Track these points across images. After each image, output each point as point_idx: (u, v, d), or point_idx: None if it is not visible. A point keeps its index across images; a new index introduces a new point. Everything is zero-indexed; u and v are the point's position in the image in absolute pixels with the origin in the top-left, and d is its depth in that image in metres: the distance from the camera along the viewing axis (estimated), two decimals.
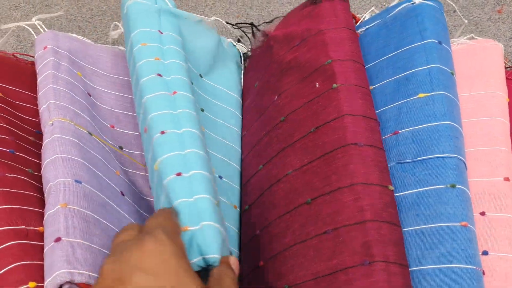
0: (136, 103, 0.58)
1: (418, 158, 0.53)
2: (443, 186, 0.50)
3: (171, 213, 0.43)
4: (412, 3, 0.63)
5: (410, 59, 0.58)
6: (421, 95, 0.56)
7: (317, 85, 0.59)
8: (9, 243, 0.46)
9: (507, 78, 0.62)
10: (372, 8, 0.74)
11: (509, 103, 0.60)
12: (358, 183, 0.49)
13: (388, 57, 0.61)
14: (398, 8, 0.64)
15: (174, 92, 0.56)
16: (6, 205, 0.48)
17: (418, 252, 0.49)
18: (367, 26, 0.67)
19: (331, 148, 0.53)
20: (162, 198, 0.48)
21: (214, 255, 0.43)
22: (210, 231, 0.44)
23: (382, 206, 0.48)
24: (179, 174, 0.48)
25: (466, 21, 0.88)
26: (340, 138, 0.53)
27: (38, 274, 0.45)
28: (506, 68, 0.63)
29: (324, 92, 0.57)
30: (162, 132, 0.52)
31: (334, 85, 0.57)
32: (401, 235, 0.48)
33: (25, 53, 0.84)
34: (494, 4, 0.91)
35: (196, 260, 0.43)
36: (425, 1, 0.62)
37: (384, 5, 0.93)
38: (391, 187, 0.50)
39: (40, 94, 0.59)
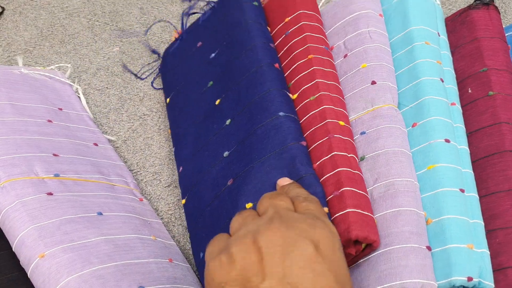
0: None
1: None
2: None
3: (319, 202, 0.47)
4: None
5: None
6: None
7: (470, 91, 0.61)
8: None
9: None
10: None
11: None
12: None
13: None
14: None
15: (453, 104, 0.59)
16: None
17: None
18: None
19: (486, 153, 0.57)
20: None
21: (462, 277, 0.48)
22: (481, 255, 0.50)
23: None
24: (462, 191, 0.51)
25: None
26: (498, 144, 0.58)
27: None
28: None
29: (478, 99, 0.60)
30: (447, 141, 0.54)
31: (490, 93, 0.60)
32: None
33: None
34: None
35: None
36: None
37: None
38: None
39: None
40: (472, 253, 0.49)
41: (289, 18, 0.65)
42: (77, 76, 0.78)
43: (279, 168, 0.55)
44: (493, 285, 0.50)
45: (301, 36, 0.63)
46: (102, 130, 0.72)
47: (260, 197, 0.46)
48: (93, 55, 0.79)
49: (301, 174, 0.53)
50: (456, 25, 0.69)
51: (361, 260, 0.51)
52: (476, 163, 0.58)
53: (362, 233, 0.49)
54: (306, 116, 0.58)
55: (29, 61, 0.78)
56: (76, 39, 0.82)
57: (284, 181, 0.52)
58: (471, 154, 0.58)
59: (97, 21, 0.84)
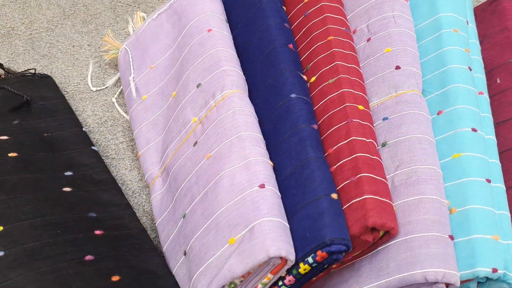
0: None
1: None
2: None
3: None
4: None
5: None
6: None
7: (498, 81, 0.59)
8: None
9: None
10: None
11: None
12: None
13: None
14: None
15: (480, 93, 0.56)
16: None
17: None
18: None
19: None
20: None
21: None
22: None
23: None
24: (488, 181, 0.49)
25: None
26: None
27: None
28: None
29: (507, 89, 0.59)
30: (474, 130, 0.52)
31: None
32: None
33: None
34: None
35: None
36: None
37: None
38: None
39: None
40: (498, 245, 0.47)
41: None
42: (98, 56, 0.77)
43: (287, 152, 0.53)
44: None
45: (321, 17, 0.61)
46: None
47: None
48: (115, 36, 0.78)
49: (309, 157, 0.51)
50: (485, 14, 0.66)
51: (380, 248, 0.49)
52: (504, 154, 0.55)
53: (380, 220, 0.47)
54: (324, 100, 0.56)
55: (51, 40, 0.78)
56: (98, 19, 0.81)
57: None
58: (498, 145, 0.56)
59: (120, 1, 0.83)
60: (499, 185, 0.52)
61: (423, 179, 0.50)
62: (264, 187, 0.49)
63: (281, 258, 0.46)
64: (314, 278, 0.52)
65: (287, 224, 0.49)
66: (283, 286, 0.50)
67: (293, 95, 0.55)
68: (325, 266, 0.48)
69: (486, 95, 0.58)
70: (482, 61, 0.62)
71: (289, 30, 0.62)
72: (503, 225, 0.49)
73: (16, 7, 0.81)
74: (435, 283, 0.45)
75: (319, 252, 0.46)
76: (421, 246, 0.46)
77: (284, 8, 0.65)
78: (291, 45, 0.60)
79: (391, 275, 0.46)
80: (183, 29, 0.64)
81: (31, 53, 0.75)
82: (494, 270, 0.45)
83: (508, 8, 0.64)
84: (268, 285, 0.49)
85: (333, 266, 0.51)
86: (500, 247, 0.47)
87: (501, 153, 0.55)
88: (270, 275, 0.47)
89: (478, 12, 0.67)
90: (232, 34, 0.65)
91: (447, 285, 0.45)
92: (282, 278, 0.49)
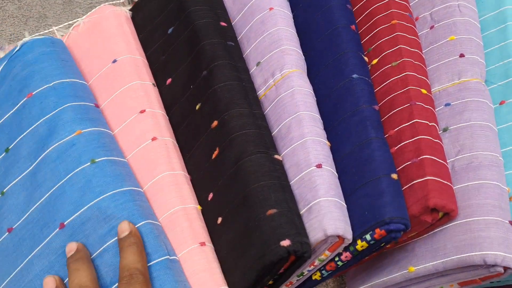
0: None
1: None
2: None
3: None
4: None
5: None
6: None
7: None
8: None
9: None
10: None
11: None
12: None
13: None
14: None
15: None
16: None
17: None
18: None
19: None
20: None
21: None
22: None
23: None
24: None
25: None
26: None
27: None
28: None
29: None
30: None
31: None
32: None
33: None
34: None
35: None
36: None
37: None
38: None
39: None
40: None
41: None
42: None
43: (347, 132, 0.53)
44: None
45: (384, 1, 0.62)
46: None
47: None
48: None
49: (370, 137, 0.52)
50: None
51: (437, 230, 0.49)
52: None
53: (441, 201, 0.47)
54: (387, 82, 0.57)
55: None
56: None
57: (122, 229, 0.45)
58: None
59: None
60: None
61: (485, 165, 0.50)
62: (321, 166, 0.50)
63: (338, 236, 0.47)
64: (366, 258, 0.53)
65: (344, 204, 0.50)
66: (339, 262, 0.51)
67: (354, 76, 0.56)
68: (381, 245, 0.49)
69: None
70: None
71: (351, 11, 0.63)
72: None
73: None
74: (493, 265, 0.45)
75: (377, 230, 0.47)
76: (481, 229, 0.46)
77: None
78: (353, 26, 0.60)
79: (448, 256, 0.47)
80: (244, 7, 0.65)
81: None
82: None
83: None
84: (326, 262, 0.50)
85: (387, 246, 0.52)
86: None
87: None
88: (327, 252, 0.48)
89: None
90: (293, 13, 0.66)
91: (505, 269, 0.45)
92: (339, 254, 0.50)
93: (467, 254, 0.46)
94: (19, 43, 0.57)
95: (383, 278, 0.52)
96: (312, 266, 0.50)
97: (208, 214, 0.51)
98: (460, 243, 0.47)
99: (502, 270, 0.45)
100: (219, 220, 0.50)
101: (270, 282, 0.49)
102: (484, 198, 0.48)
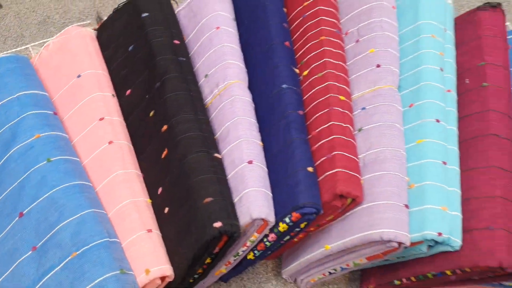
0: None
1: None
2: None
3: None
4: None
5: None
6: None
7: (467, 81, 0.68)
8: None
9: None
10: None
11: None
12: (493, 166, 0.60)
13: None
14: None
15: (448, 90, 0.65)
16: None
17: None
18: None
19: (473, 135, 0.64)
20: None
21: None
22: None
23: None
24: (444, 163, 0.58)
25: None
26: (484, 128, 0.63)
27: None
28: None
29: (473, 89, 0.67)
30: (437, 121, 0.61)
31: (484, 84, 0.66)
32: None
33: None
34: None
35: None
36: None
37: None
38: None
39: None
40: (445, 214, 0.56)
41: (308, 2, 0.73)
42: None
43: (276, 134, 0.63)
44: (460, 242, 0.56)
45: (316, 19, 0.71)
46: None
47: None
48: None
49: (293, 137, 0.61)
50: (464, 23, 0.75)
51: (348, 214, 0.59)
52: (463, 142, 0.64)
53: (346, 189, 0.57)
54: (312, 91, 0.66)
55: None
56: None
57: None
58: (460, 135, 0.65)
59: None
60: (454, 167, 0.61)
61: (389, 158, 0.59)
62: (252, 163, 0.59)
63: (263, 220, 0.56)
64: (295, 240, 0.62)
65: (270, 193, 0.59)
66: (268, 242, 0.60)
67: (284, 86, 0.65)
68: (301, 226, 0.58)
69: (454, 93, 0.67)
70: (455, 63, 0.71)
71: (286, 30, 0.72)
72: (453, 199, 0.58)
73: None
74: (389, 241, 0.54)
75: (294, 213, 0.57)
76: (380, 212, 0.56)
77: (285, 10, 0.75)
78: (287, 43, 0.70)
79: (354, 235, 0.56)
80: (196, 26, 0.74)
81: None
82: (440, 234, 0.55)
83: (482, 19, 0.72)
84: (256, 243, 0.60)
85: (311, 228, 0.61)
86: (447, 216, 0.56)
87: (461, 142, 0.64)
88: (256, 234, 0.58)
89: (459, 21, 0.76)
90: (239, 31, 0.75)
91: (399, 244, 0.55)
92: (266, 236, 0.60)
93: (368, 232, 0.55)
94: None
95: (306, 256, 0.62)
96: (245, 247, 0.59)
97: (157, 206, 0.60)
98: (364, 224, 0.56)
99: (396, 245, 0.55)
100: (166, 210, 0.59)
101: (208, 260, 0.58)
102: (385, 185, 0.57)
